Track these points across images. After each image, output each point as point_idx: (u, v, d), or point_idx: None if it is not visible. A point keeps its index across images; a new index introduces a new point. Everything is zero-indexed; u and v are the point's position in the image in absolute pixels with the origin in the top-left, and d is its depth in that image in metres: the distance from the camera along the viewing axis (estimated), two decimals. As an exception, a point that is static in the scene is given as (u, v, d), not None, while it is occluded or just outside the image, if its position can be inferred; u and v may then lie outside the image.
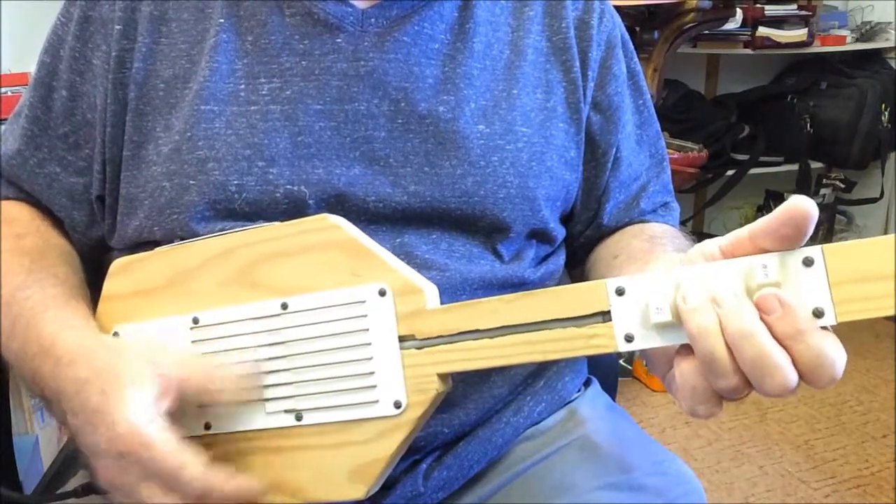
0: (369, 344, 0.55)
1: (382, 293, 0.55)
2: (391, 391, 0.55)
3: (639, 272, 0.59)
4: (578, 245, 0.80)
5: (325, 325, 0.56)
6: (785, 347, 0.45)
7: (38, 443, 1.46)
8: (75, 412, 0.55)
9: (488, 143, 0.68)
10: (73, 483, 0.71)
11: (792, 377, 0.45)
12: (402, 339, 0.55)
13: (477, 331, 0.53)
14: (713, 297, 0.46)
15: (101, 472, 0.54)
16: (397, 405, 0.54)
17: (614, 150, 0.77)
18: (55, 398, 0.57)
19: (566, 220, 0.78)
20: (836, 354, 0.45)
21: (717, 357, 0.46)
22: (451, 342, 0.54)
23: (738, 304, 0.46)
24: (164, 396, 0.54)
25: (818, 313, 0.45)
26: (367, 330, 0.55)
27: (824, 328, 0.46)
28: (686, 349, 0.48)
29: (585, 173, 0.76)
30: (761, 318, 0.46)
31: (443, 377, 0.54)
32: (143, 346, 0.58)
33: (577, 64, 0.74)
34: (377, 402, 0.55)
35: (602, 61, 0.76)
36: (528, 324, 0.52)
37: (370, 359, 0.55)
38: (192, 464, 0.52)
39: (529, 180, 0.69)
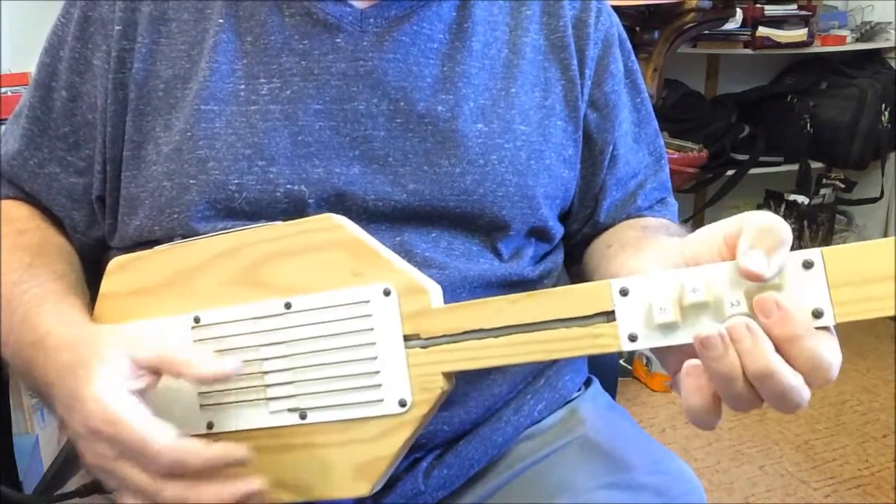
0: (374, 343, 0.55)
1: (387, 293, 0.55)
2: (396, 390, 0.55)
3: (632, 259, 0.60)
4: (576, 242, 0.80)
5: (329, 325, 0.56)
6: (782, 350, 0.46)
7: (38, 443, 1.46)
8: (60, 400, 0.55)
9: (487, 142, 0.68)
10: (73, 483, 0.71)
11: (806, 396, 0.47)
12: (406, 338, 0.55)
13: (482, 330, 0.53)
14: (729, 330, 0.47)
15: (84, 454, 0.55)
16: (402, 404, 0.55)
17: (611, 147, 0.77)
18: (47, 388, 0.58)
19: (563, 217, 0.78)
20: (831, 358, 0.46)
21: (738, 395, 0.47)
22: (455, 341, 0.54)
23: (754, 344, 0.46)
24: (136, 375, 0.54)
25: (817, 314, 0.46)
26: (372, 329, 0.55)
27: (825, 328, 0.46)
28: (696, 369, 0.49)
29: (583, 171, 0.76)
30: (760, 321, 0.46)
31: (447, 376, 0.55)
32: (121, 331, 0.58)
33: (575, 62, 0.74)
34: (382, 400, 0.55)
35: (599, 59, 0.76)
36: (533, 323, 0.52)
37: (375, 358, 0.55)
38: (157, 435, 0.52)
39: (528, 178, 0.70)
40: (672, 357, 0.53)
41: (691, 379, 0.49)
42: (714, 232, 0.50)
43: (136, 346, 0.55)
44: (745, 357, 0.46)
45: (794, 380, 0.46)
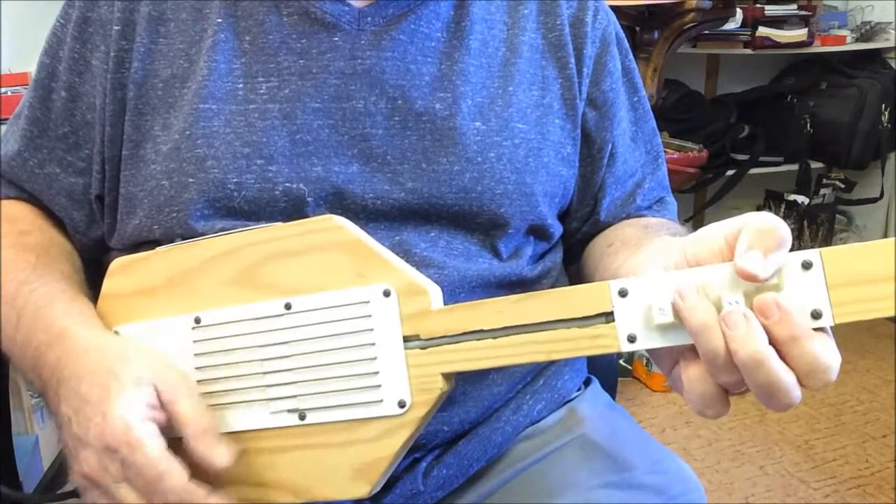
0: (373, 344, 0.55)
1: (387, 294, 0.55)
2: (395, 391, 0.55)
3: (633, 257, 0.60)
4: (575, 241, 0.80)
5: (329, 326, 0.56)
6: (781, 351, 0.46)
7: (38, 443, 1.47)
8: (70, 401, 0.55)
9: (485, 140, 0.69)
10: (72, 483, 0.71)
11: (797, 395, 0.46)
12: (406, 339, 0.55)
13: (481, 331, 0.53)
14: (723, 317, 0.46)
15: (81, 464, 0.54)
16: (402, 404, 0.55)
17: (610, 146, 0.77)
18: (54, 385, 0.57)
19: (563, 216, 0.78)
20: (830, 360, 0.46)
21: (719, 354, 0.47)
22: (455, 342, 0.54)
23: (748, 330, 0.46)
24: (155, 405, 0.55)
25: (816, 315, 0.46)
26: (372, 330, 0.55)
27: (823, 330, 0.46)
28: (692, 354, 0.49)
29: (581, 169, 0.77)
30: (760, 322, 0.46)
31: (447, 377, 0.55)
32: (150, 354, 0.58)
33: (573, 60, 0.74)
34: (381, 401, 0.55)
35: (597, 58, 0.76)
36: (532, 324, 0.52)
37: (374, 359, 0.55)
38: (174, 473, 0.52)
39: (526, 176, 0.70)
40: (667, 357, 0.53)
41: (691, 368, 0.49)
42: (715, 232, 0.50)
43: (161, 377, 0.56)
44: (737, 342, 0.46)
45: (784, 374, 0.46)
